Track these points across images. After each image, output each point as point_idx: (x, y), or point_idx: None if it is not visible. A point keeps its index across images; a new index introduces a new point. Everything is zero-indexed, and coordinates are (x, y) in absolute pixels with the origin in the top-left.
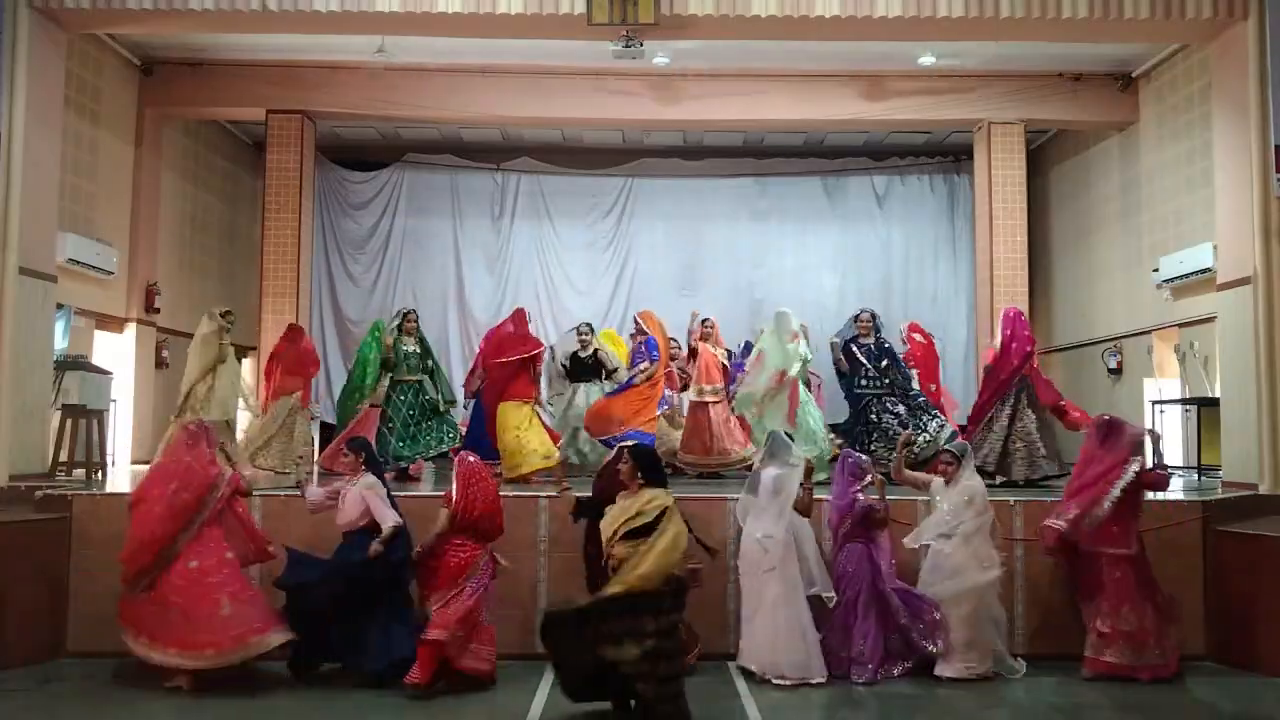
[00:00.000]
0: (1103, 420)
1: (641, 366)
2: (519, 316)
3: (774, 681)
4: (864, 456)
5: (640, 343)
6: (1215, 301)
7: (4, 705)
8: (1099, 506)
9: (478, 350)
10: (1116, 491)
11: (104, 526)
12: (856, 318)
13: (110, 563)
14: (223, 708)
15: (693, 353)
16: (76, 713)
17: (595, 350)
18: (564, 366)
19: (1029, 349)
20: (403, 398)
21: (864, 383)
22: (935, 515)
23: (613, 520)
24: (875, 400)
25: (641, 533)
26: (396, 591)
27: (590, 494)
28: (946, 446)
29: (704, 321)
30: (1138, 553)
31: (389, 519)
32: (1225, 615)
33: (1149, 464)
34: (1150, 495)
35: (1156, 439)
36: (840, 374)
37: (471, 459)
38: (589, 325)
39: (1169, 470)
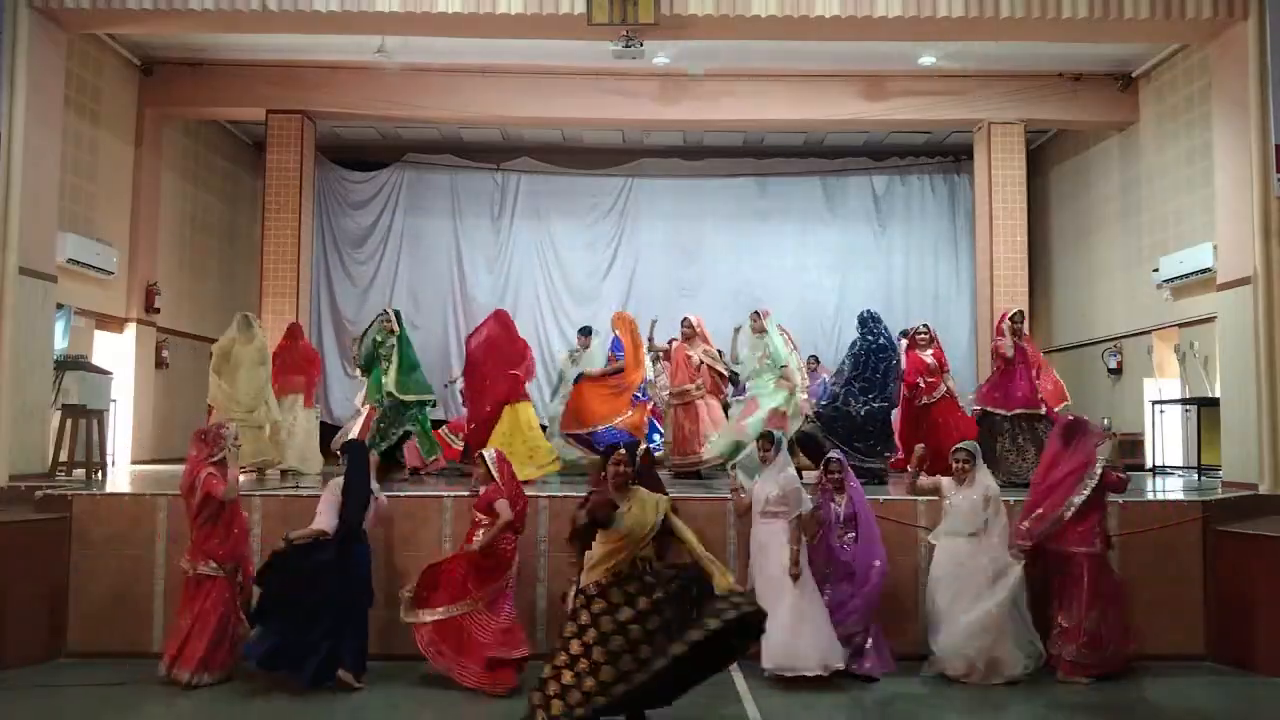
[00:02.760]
0: (1066, 422)
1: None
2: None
3: (789, 676)
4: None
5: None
6: (1215, 301)
7: (4, 705)
8: (1064, 509)
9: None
10: (1078, 499)
11: (104, 526)
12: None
13: (110, 562)
14: (222, 708)
15: (666, 354)
16: (76, 713)
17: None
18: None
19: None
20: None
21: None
22: (951, 515)
23: (640, 526)
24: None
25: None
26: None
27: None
28: (962, 445)
29: (683, 322)
30: (1102, 551)
31: (324, 522)
32: (1225, 615)
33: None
34: (1113, 496)
35: (1116, 439)
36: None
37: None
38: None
39: (1128, 474)
